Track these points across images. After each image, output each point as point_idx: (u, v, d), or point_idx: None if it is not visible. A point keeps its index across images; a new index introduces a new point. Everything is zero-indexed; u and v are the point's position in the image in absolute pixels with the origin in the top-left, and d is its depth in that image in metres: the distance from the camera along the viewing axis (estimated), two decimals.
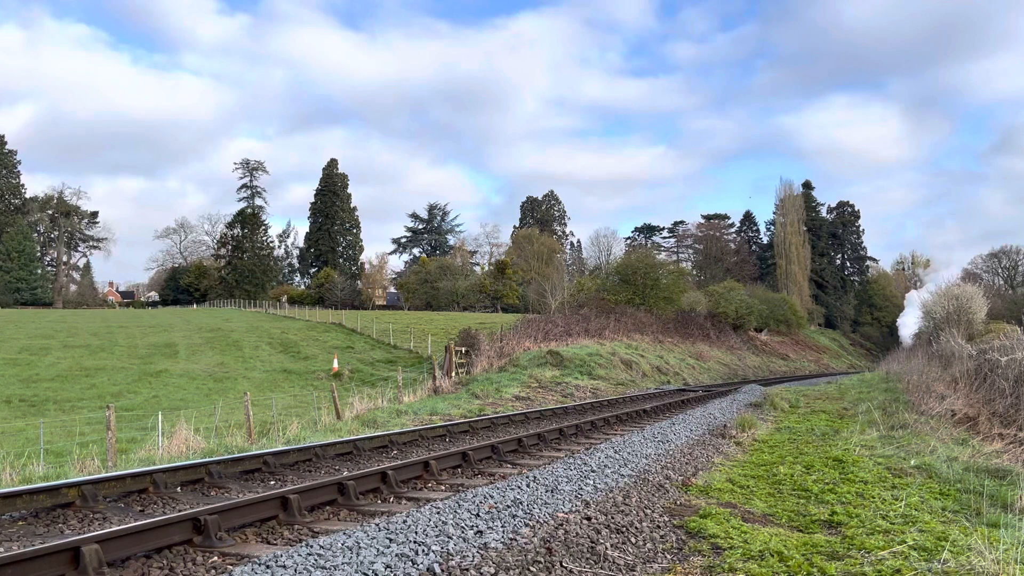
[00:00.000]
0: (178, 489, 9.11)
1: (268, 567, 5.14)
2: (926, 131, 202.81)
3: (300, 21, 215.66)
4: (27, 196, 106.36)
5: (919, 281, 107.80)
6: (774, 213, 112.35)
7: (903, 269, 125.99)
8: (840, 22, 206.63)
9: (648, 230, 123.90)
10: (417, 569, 5.34)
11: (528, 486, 8.13)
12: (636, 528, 6.99)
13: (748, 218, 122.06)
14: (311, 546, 5.61)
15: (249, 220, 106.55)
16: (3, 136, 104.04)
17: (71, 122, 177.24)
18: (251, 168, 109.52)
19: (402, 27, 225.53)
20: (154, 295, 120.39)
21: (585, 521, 7.05)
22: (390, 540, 5.90)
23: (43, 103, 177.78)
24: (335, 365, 37.90)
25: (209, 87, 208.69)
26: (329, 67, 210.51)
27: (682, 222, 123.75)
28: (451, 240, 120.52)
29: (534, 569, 5.59)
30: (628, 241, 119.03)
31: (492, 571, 5.46)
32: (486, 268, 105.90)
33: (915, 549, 6.31)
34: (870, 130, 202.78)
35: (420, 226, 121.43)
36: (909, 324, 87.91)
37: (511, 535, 6.40)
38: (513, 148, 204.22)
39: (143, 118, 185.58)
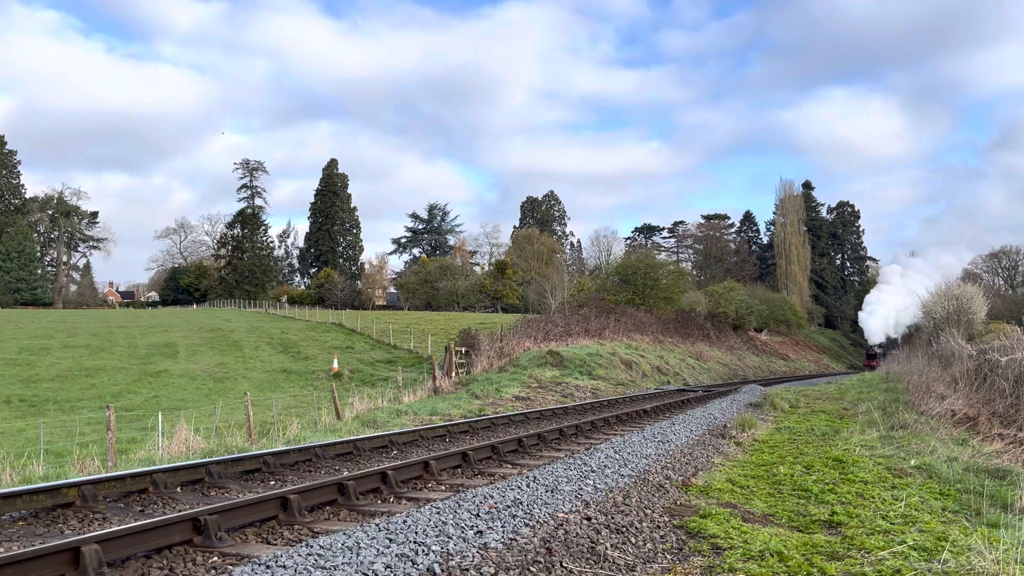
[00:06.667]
0: (178, 489, 9.10)
1: (268, 567, 5.13)
2: (926, 125, 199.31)
3: (278, 8, 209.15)
4: (27, 196, 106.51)
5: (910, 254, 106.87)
6: (774, 213, 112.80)
7: None
8: (836, 10, 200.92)
9: (648, 230, 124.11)
10: (417, 569, 5.34)
11: (528, 486, 8.13)
12: (636, 528, 6.99)
13: (748, 218, 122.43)
14: (311, 546, 5.61)
15: (249, 220, 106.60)
16: (3, 136, 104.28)
17: (48, 115, 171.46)
18: (251, 168, 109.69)
19: (385, 15, 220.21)
20: (154, 295, 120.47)
21: (585, 521, 7.04)
22: (390, 540, 5.90)
23: (17, 95, 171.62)
24: (335, 365, 37.89)
25: (189, 78, 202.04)
26: (312, 58, 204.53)
27: (682, 222, 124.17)
28: (451, 240, 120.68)
29: (534, 569, 5.58)
30: (628, 241, 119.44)
31: (492, 571, 5.46)
32: (486, 268, 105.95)
33: (915, 549, 6.31)
34: (870, 124, 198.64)
35: (420, 226, 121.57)
36: (876, 324, 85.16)
37: (511, 535, 6.40)
38: (504, 143, 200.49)
39: (122, 111, 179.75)
